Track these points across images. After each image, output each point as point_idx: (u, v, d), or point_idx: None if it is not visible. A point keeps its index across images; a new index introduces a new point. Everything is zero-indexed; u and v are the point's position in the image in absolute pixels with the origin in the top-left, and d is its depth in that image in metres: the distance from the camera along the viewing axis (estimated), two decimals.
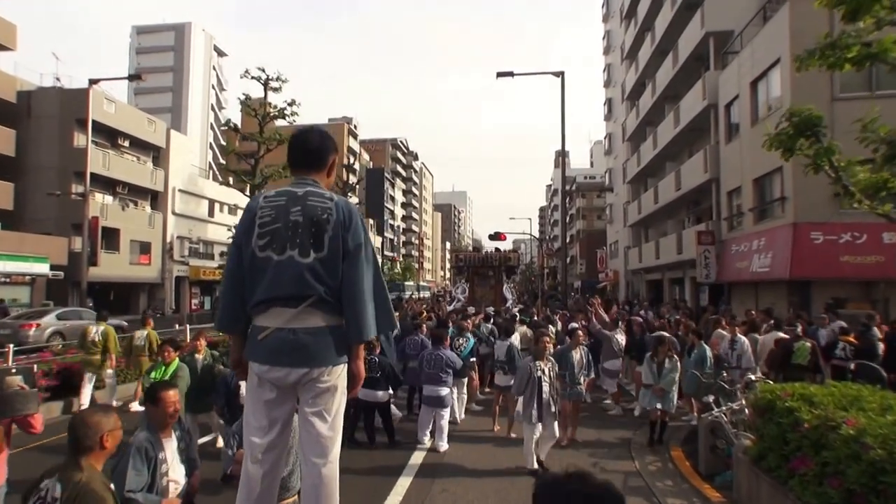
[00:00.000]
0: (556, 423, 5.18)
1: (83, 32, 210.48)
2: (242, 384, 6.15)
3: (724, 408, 5.33)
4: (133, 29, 59.05)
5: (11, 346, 7.61)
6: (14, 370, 3.00)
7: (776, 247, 12.72)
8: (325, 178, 2.26)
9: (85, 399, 7.27)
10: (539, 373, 5.04)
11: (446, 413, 5.97)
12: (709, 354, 6.85)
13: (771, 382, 5.38)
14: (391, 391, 6.02)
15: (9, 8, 24.34)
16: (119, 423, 2.10)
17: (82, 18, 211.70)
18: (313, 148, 2.24)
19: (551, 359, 5.39)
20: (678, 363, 6.34)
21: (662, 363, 6.21)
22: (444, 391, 5.93)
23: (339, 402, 2.11)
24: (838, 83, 11.82)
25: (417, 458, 5.52)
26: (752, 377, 5.89)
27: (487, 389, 8.22)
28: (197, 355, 5.55)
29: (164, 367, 4.93)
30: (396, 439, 5.97)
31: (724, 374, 6.46)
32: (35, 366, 5.57)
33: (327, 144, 2.28)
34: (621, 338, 8.14)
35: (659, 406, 6.02)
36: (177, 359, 5.01)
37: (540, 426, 4.96)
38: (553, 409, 5.06)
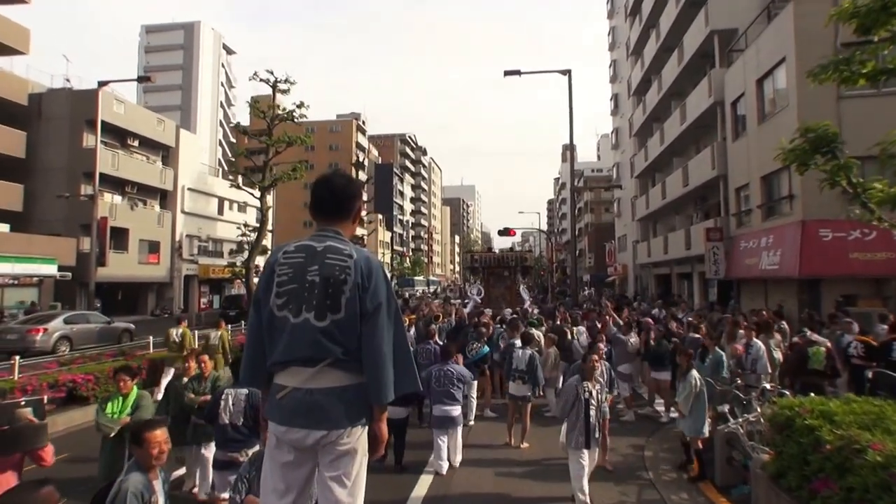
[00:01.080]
0: (597, 450, 4.84)
1: (93, 32, 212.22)
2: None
3: (740, 419, 5.17)
4: (142, 28, 59.55)
5: (17, 357, 7.64)
6: (24, 402, 2.96)
7: (785, 244, 12.62)
8: (349, 226, 2.19)
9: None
10: (586, 395, 4.66)
11: (459, 431, 5.67)
12: (725, 360, 6.61)
13: (787, 393, 5.29)
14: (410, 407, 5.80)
15: (20, 11, 24.85)
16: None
17: (92, 18, 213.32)
18: (338, 195, 2.14)
19: (600, 379, 5.00)
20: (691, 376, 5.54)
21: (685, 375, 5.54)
22: (456, 410, 5.59)
23: (360, 466, 2.03)
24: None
25: (424, 483, 5.13)
26: (767, 386, 5.76)
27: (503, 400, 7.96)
28: (185, 378, 4.98)
29: (120, 398, 4.17)
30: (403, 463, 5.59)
31: (739, 381, 6.27)
32: (45, 397, 5.33)
33: (353, 190, 2.17)
34: (635, 340, 8.05)
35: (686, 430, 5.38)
36: (135, 388, 4.28)
37: (586, 453, 4.57)
38: (598, 434, 4.72)
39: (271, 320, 2.00)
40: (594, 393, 4.75)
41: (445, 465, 5.47)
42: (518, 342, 7.14)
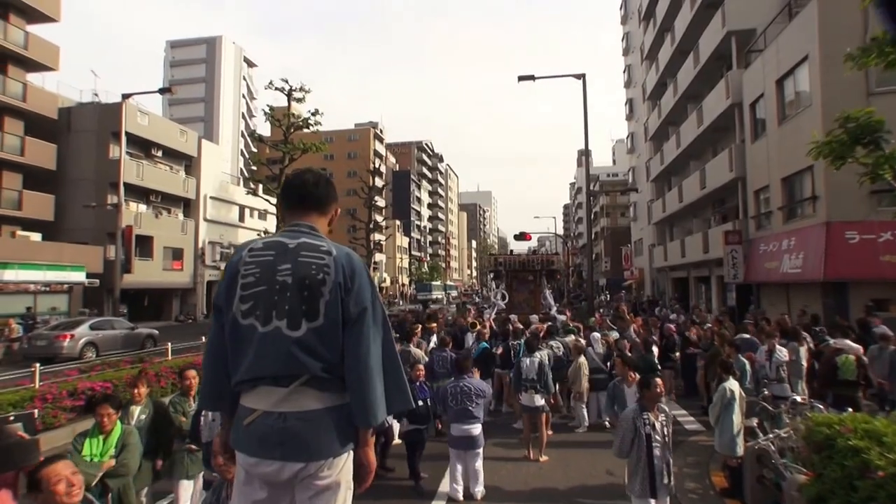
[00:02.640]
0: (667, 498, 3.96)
1: (122, 49, 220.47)
2: None
3: (770, 435, 4.80)
4: (167, 43, 61.64)
5: (38, 365, 7.67)
6: (13, 417, 2.85)
7: (808, 247, 12.27)
8: (325, 225, 1.91)
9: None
10: (647, 428, 3.82)
11: (480, 454, 5.08)
12: (748, 368, 6.35)
13: (821, 407, 5.03)
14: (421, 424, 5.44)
15: (50, 29, 25.90)
16: None
17: (120, 35, 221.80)
18: (313, 186, 1.87)
19: (665, 408, 4.08)
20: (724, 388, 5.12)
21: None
22: (476, 429, 5.04)
23: (345, 501, 1.72)
24: (874, 77, 11.28)
25: None
26: (798, 398, 5.46)
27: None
28: (133, 407, 4.02)
29: (100, 437, 3.41)
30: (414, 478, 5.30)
31: (765, 392, 6.02)
32: (35, 411, 4.95)
33: (329, 189, 1.93)
34: (655, 349, 7.84)
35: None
36: (119, 424, 3.52)
37: (653, 503, 3.82)
38: (667, 478, 3.87)
39: (235, 330, 1.67)
40: (658, 426, 3.86)
41: (460, 490, 4.95)
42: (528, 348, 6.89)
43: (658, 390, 4.00)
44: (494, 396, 7.91)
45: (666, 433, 3.95)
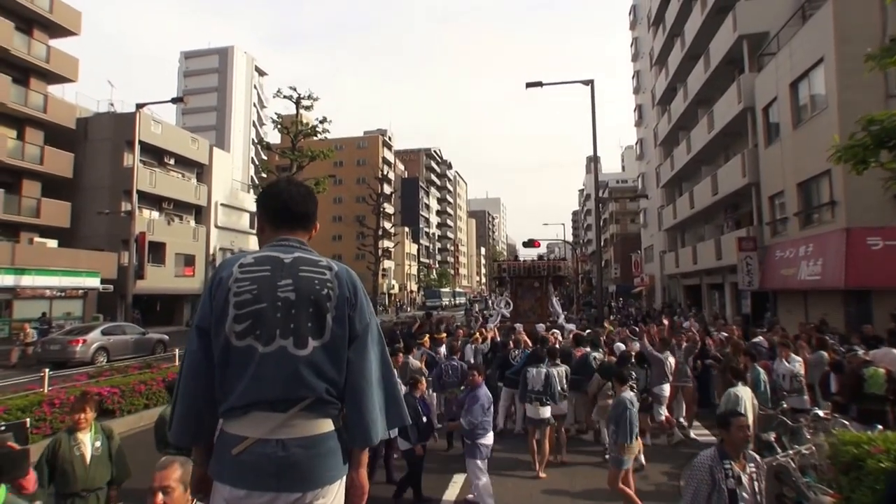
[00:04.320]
0: None
1: (139, 59, 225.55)
2: None
3: (790, 451, 4.54)
4: (181, 54, 62.85)
5: (47, 370, 7.69)
6: (3, 427, 2.76)
7: (827, 253, 11.99)
8: (307, 239, 1.83)
9: None
10: (731, 482, 3.00)
11: (483, 466, 4.91)
12: (764, 378, 6.11)
13: (846, 423, 4.83)
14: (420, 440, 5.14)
15: (69, 42, 26.62)
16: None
17: (137, 47, 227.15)
18: (301, 201, 1.78)
19: (755, 456, 3.23)
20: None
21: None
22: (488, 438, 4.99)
23: None
24: (893, 79, 11.05)
25: None
26: (820, 413, 5.22)
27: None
28: (80, 433, 3.38)
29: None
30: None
31: (784, 405, 5.80)
32: (28, 420, 4.70)
33: (313, 201, 1.83)
34: (673, 360, 7.42)
35: None
36: (3, 489, 2.76)
37: None
38: None
39: (227, 353, 1.55)
40: (746, 480, 3.03)
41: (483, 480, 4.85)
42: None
43: (741, 432, 3.06)
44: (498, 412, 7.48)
45: (758, 490, 3.06)
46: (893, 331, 8.07)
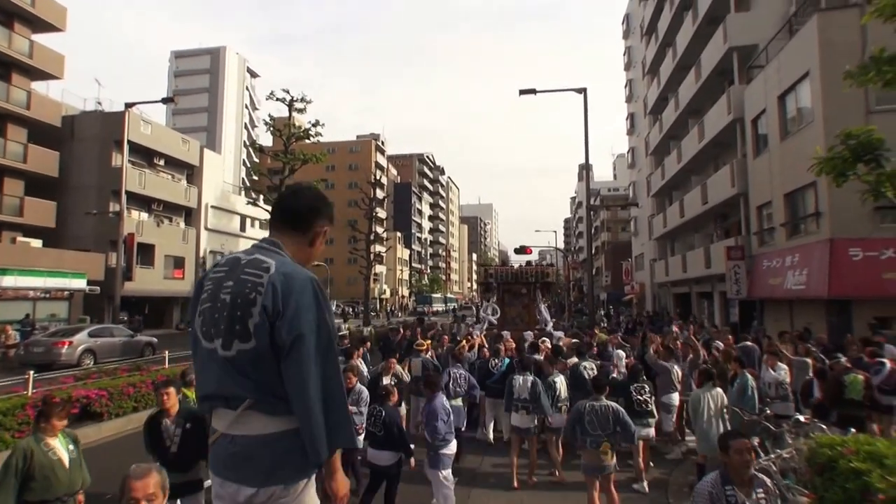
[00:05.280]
0: None
1: (128, 59, 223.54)
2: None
3: (772, 455, 4.68)
4: (172, 54, 62.37)
5: (31, 372, 7.59)
6: None
7: (812, 263, 12.21)
8: (304, 245, 1.80)
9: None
10: None
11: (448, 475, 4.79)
12: (752, 384, 6.19)
13: (824, 428, 4.99)
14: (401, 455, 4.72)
15: (55, 38, 26.04)
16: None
17: (127, 45, 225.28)
18: (296, 205, 1.79)
19: (765, 480, 2.97)
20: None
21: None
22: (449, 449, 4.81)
23: None
24: (874, 95, 11.36)
25: None
26: (801, 418, 5.38)
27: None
28: (50, 439, 3.26)
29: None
30: None
31: (768, 411, 5.91)
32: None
33: (318, 207, 1.81)
34: (678, 369, 7.23)
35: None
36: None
37: None
38: None
39: (196, 346, 1.68)
40: None
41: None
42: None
43: (739, 456, 2.84)
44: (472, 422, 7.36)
45: None
46: (868, 339, 8.27)
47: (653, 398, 5.81)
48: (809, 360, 7.39)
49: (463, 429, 6.59)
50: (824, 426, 5.11)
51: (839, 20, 12.00)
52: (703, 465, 5.44)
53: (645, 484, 5.56)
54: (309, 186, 1.95)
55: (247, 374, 1.57)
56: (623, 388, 5.98)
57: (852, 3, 12.79)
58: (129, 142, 20.76)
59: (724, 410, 5.55)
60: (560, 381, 6.28)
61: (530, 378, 5.97)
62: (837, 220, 11.69)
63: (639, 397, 5.73)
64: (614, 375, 7.24)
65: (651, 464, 6.25)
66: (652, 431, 5.87)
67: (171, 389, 3.93)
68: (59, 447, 3.31)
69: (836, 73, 10.85)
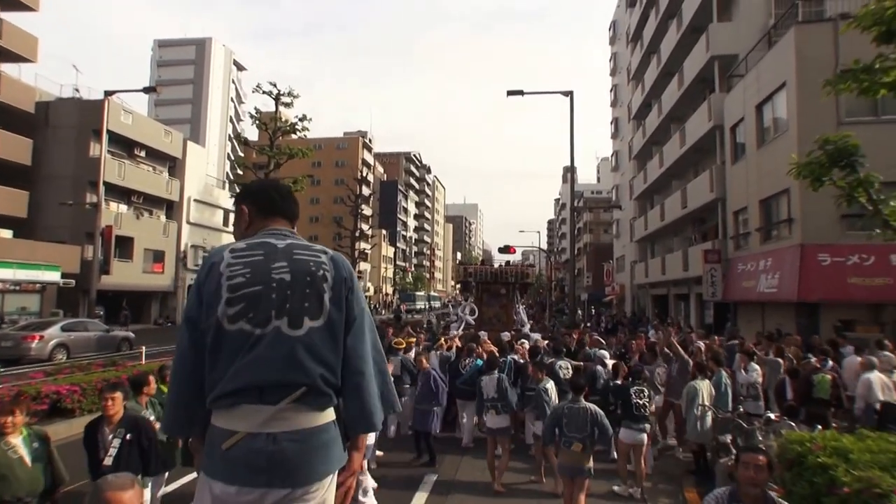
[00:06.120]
0: None
1: (108, 46, 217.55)
2: None
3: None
4: (155, 42, 60.94)
5: None
6: None
7: (783, 268, 12.64)
8: None
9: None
10: None
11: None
12: (726, 382, 6.41)
13: (793, 425, 5.17)
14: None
15: (28, 19, 25.02)
16: None
17: (107, 32, 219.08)
18: (290, 196, 1.85)
19: (779, 502, 2.64)
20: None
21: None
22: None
23: None
24: (844, 108, 11.81)
25: None
26: (772, 416, 5.60)
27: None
28: (10, 437, 3.13)
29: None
30: None
31: (740, 409, 6.10)
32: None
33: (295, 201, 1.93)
34: (662, 370, 7.23)
35: None
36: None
37: None
38: None
39: (218, 338, 1.51)
40: None
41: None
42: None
43: (747, 471, 2.57)
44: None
45: None
46: (833, 341, 8.63)
47: (651, 401, 5.70)
48: (782, 362, 7.70)
49: (437, 431, 6.52)
50: (793, 423, 5.35)
51: (815, 34, 12.43)
52: (697, 452, 5.91)
53: (631, 489, 5.48)
54: (280, 183, 2.04)
55: (315, 354, 1.53)
56: (623, 391, 5.84)
57: (827, 18, 13.27)
58: (108, 131, 20.24)
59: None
60: (552, 387, 6.02)
61: (496, 376, 5.87)
62: (808, 227, 12.11)
63: (638, 401, 5.60)
64: (603, 378, 7.00)
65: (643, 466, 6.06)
66: (646, 437, 5.71)
67: (118, 395, 3.54)
68: (20, 445, 3.13)
69: (811, 85, 11.34)
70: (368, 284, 59.54)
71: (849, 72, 4.56)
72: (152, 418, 4.10)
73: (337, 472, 1.63)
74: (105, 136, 19.42)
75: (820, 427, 4.95)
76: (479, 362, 7.11)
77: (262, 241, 1.65)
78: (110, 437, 3.39)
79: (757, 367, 7.12)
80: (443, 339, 9.15)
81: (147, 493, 3.83)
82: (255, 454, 1.45)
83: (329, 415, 1.59)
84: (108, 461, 3.30)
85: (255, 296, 1.52)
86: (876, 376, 6.45)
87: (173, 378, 1.63)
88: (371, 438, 4.95)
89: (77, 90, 29.07)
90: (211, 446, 1.52)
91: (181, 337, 1.61)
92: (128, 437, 3.40)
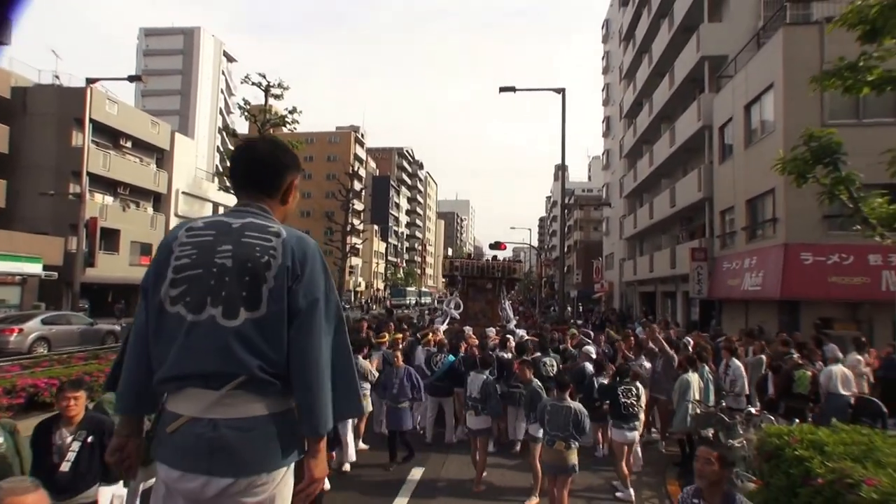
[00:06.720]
0: None
1: (91, 33, 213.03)
2: None
3: (725, 445, 4.90)
4: (141, 31, 59.77)
5: None
6: None
7: (767, 266, 12.83)
8: (278, 205, 1.68)
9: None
10: None
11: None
12: (709, 377, 6.51)
13: (773, 419, 5.28)
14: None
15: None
16: None
17: (91, 19, 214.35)
18: (262, 162, 1.64)
19: (744, 501, 2.66)
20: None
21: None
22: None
23: None
24: (828, 110, 11.99)
25: None
26: (753, 410, 5.70)
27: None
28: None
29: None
30: None
31: (722, 403, 6.27)
32: None
33: (283, 159, 1.67)
34: (648, 365, 7.32)
35: None
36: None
37: None
38: None
39: (160, 318, 1.47)
40: None
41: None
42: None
43: (699, 464, 2.64)
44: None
45: None
46: (816, 338, 8.84)
47: (639, 400, 5.64)
48: (764, 358, 7.86)
49: (414, 426, 6.43)
50: (773, 417, 5.46)
51: (802, 36, 12.58)
52: (683, 441, 6.08)
53: (631, 492, 5.36)
54: (263, 139, 1.80)
55: (251, 346, 1.43)
56: (611, 391, 5.80)
57: (813, 21, 13.43)
58: (92, 120, 19.85)
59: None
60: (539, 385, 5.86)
61: (482, 377, 5.73)
62: (792, 227, 12.31)
63: (625, 400, 5.56)
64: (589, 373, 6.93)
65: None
66: (637, 435, 5.66)
67: (82, 394, 3.21)
68: None
69: (798, 87, 11.48)
70: (360, 280, 59.33)
71: (836, 70, 4.61)
72: None
73: (292, 472, 1.55)
74: (88, 125, 18.99)
75: (798, 421, 5.07)
76: (451, 358, 7.00)
77: (217, 220, 1.57)
78: (70, 438, 3.05)
79: (738, 363, 7.25)
80: (430, 334, 9.04)
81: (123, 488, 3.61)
82: (196, 439, 1.41)
83: (278, 404, 1.49)
84: (65, 466, 2.99)
85: (194, 279, 1.46)
86: (838, 369, 6.74)
87: (128, 351, 1.57)
88: (350, 442, 4.79)
89: (57, 77, 28.29)
90: (160, 430, 1.48)
91: (139, 309, 1.57)
92: (89, 439, 3.08)
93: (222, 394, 1.42)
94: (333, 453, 5.13)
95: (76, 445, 3.03)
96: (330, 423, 1.51)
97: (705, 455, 2.64)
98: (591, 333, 10.04)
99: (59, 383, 7.37)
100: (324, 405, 1.49)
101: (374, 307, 48.63)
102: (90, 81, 18.26)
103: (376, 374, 6.67)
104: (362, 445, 6.63)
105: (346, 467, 5.70)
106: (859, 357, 7.59)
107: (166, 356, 1.45)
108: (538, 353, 7.25)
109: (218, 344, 1.42)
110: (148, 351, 1.51)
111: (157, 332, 1.48)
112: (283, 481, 1.51)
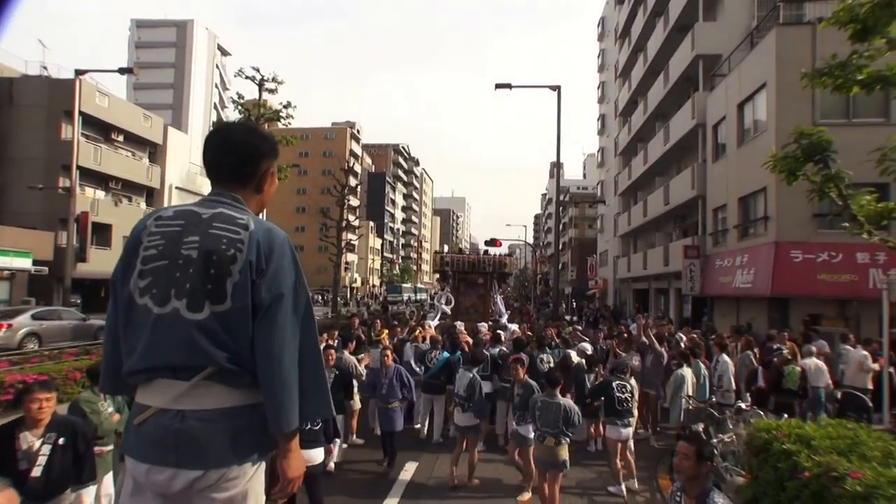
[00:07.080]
0: None
1: (82, 25, 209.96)
2: None
3: (714, 440, 4.96)
4: (132, 22, 58.96)
5: None
6: None
7: (758, 264, 12.96)
8: (252, 195, 1.62)
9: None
10: None
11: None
12: (703, 373, 6.60)
13: (762, 414, 5.35)
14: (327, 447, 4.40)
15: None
16: None
17: (81, 10, 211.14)
18: (235, 148, 1.58)
19: (716, 499, 2.52)
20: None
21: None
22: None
23: None
24: (819, 110, 12.11)
25: None
26: (743, 405, 5.75)
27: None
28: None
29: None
30: None
31: (713, 399, 6.32)
32: None
33: (259, 145, 1.61)
34: (636, 360, 7.34)
35: None
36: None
37: None
38: None
39: (129, 310, 1.45)
40: None
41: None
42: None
43: (677, 460, 2.69)
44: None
45: None
46: (805, 333, 8.97)
47: (633, 396, 5.56)
48: (751, 353, 7.97)
49: (403, 427, 6.21)
50: (762, 412, 5.54)
51: (794, 36, 12.67)
52: (679, 437, 5.87)
53: (623, 487, 5.33)
54: (237, 123, 1.75)
55: (216, 339, 1.40)
56: (604, 387, 5.76)
57: (806, 22, 13.52)
58: (82, 113, 19.59)
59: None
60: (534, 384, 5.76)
61: (469, 375, 5.63)
62: (783, 225, 12.44)
63: (620, 395, 5.46)
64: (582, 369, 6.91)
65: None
66: (631, 431, 5.58)
67: (53, 395, 3.01)
68: None
69: (790, 86, 11.58)
70: (356, 276, 59.23)
71: (827, 68, 4.65)
72: (111, 410, 3.88)
73: (264, 470, 1.53)
74: (78, 118, 18.73)
75: (786, 416, 5.15)
76: (446, 355, 6.90)
77: (187, 210, 1.53)
78: (38, 443, 2.87)
79: (727, 359, 7.35)
80: (417, 330, 8.96)
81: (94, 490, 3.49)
82: (163, 431, 1.38)
83: (249, 396, 1.46)
84: (36, 472, 2.80)
85: (160, 270, 1.44)
86: (811, 362, 6.92)
87: (104, 341, 1.61)
88: (336, 441, 4.78)
89: (45, 68, 27.82)
90: (129, 422, 1.47)
91: (110, 302, 1.58)
92: (60, 441, 2.91)
93: (192, 384, 1.40)
94: (332, 446, 5.10)
95: (46, 449, 2.86)
96: (296, 421, 1.46)
97: (683, 450, 2.64)
98: (581, 328, 10.03)
99: (25, 384, 7.36)
100: (288, 403, 1.43)
101: (371, 303, 48.63)
102: (79, 73, 18.02)
103: (363, 372, 6.54)
104: (357, 440, 6.61)
105: (331, 466, 5.53)
106: (865, 353, 7.62)
107: (134, 348, 1.44)
108: (535, 351, 7.25)
109: (183, 337, 1.40)
110: (115, 338, 1.52)
111: (127, 325, 1.47)
112: (255, 477, 1.49)
